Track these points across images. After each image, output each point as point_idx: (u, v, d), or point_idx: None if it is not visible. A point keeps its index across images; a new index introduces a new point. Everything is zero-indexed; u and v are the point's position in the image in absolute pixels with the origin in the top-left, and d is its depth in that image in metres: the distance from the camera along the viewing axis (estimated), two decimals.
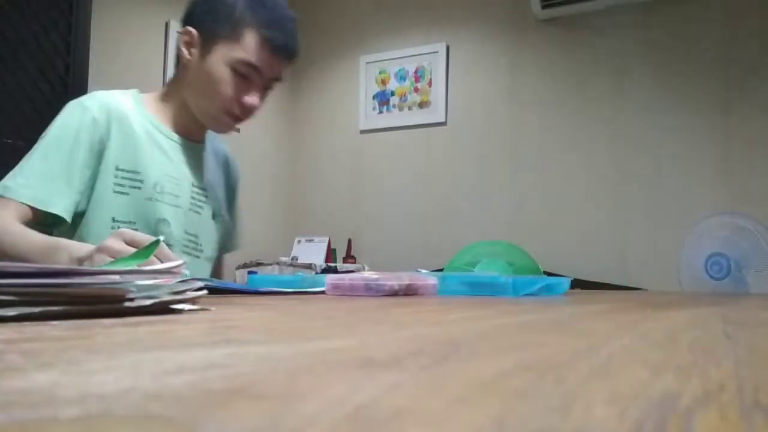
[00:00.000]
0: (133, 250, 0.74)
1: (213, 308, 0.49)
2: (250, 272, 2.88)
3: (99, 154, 1.04)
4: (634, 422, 0.14)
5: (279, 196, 3.68)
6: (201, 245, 1.18)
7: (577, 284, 1.72)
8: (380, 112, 3.51)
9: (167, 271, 0.49)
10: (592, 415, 0.15)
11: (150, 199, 1.07)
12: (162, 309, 0.44)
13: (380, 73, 3.52)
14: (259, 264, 3.13)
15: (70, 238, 1.01)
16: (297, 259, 3.24)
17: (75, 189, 1.01)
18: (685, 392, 0.18)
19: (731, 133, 2.73)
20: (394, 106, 3.47)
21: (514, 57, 3.19)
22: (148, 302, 0.43)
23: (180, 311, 0.46)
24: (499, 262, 1.28)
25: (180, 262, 0.55)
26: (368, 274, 0.90)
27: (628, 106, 2.93)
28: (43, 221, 0.99)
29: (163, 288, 0.45)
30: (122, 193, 1.05)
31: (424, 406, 0.15)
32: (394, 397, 0.16)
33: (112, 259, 0.73)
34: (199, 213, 1.16)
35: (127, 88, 1.17)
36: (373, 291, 0.84)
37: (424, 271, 1.13)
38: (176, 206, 1.11)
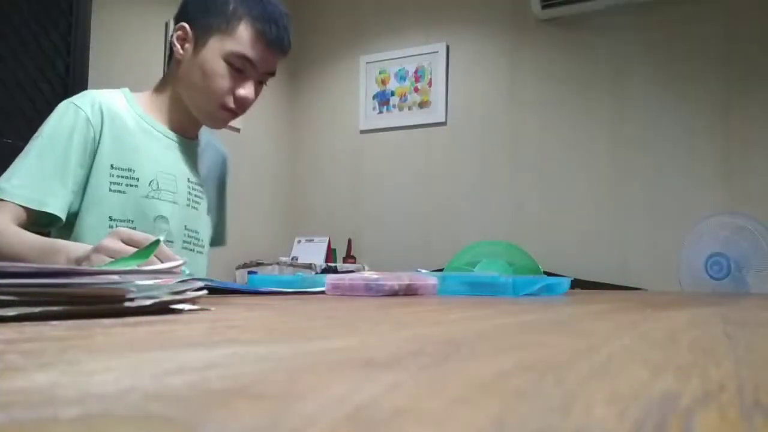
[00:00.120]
0: (130, 249, 0.74)
1: (213, 308, 0.49)
2: (250, 272, 2.88)
3: (92, 153, 1.04)
4: (634, 422, 0.14)
5: (279, 196, 3.68)
6: (201, 240, 1.19)
7: (577, 284, 1.72)
8: (380, 112, 3.51)
9: (167, 271, 0.49)
10: (592, 415, 0.15)
11: (147, 196, 1.07)
12: (162, 309, 0.44)
13: (380, 73, 3.52)
14: (259, 264, 3.13)
15: (67, 238, 1.01)
16: (297, 259, 3.24)
17: (69, 188, 1.01)
18: (685, 392, 0.18)
19: (731, 133, 2.73)
20: (394, 106, 3.47)
21: (514, 57, 3.19)
22: (148, 302, 0.43)
23: (180, 311, 0.46)
24: (499, 262, 1.28)
25: (180, 261, 0.55)
26: (368, 274, 0.90)
27: (628, 106, 2.93)
28: (38, 221, 1.00)
29: (163, 288, 0.45)
30: (119, 191, 1.05)
31: (424, 406, 0.15)
32: (394, 397, 0.16)
33: (110, 259, 0.72)
34: (196, 208, 1.17)
35: (128, 88, 1.17)
36: (373, 291, 0.84)
37: (424, 271, 1.13)
38: (174, 202, 1.11)
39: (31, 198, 0.97)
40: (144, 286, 0.43)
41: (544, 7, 3.00)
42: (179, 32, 1.10)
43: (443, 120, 3.34)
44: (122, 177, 1.06)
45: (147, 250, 0.67)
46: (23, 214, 0.97)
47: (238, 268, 3.18)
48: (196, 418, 0.14)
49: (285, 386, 0.18)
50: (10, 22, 2.08)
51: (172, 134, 1.14)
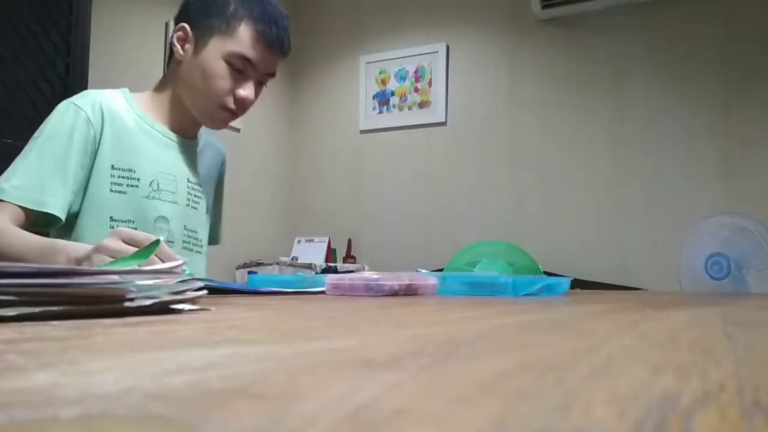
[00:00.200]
0: (131, 249, 0.74)
1: (213, 308, 0.49)
2: (250, 272, 2.88)
3: (93, 154, 1.04)
4: (634, 422, 0.14)
5: (279, 196, 3.68)
6: (200, 240, 1.19)
7: (577, 284, 1.72)
8: (380, 112, 3.51)
9: (167, 271, 0.49)
10: (592, 415, 0.15)
11: (147, 197, 1.07)
12: (162, 309, 0.44)
13: (380, 73, 3.52)
14: (259, 264, 3.13)
15: (66, 238, 1.01)
16: (297, 259, 3.24)
17: (69, 189, 1.01)
18: (685, 392, 0.18)
19: (731, 133, 2.73)
20: (394, 106, 3.47)
21: (514, 57, 3.19)
22: (148, 302, 0.43)
23: (180, 311, 0.46)
24: (499, 262, 1.28)
25: (180, 261, 0.55)
26: (368, 274, 0.90)
27: (628, 106, 2.93)
28: (38, 221, 0.99)
29: (163, 288, 0.45)
30: (120, 192, 1.05)
31: (424, 406, 0.15)
32: (394, 397, 0.16)
33: (111, 259, 0.72)
34: (196, 208, 1.17)
35: (127, 88, 1.17)
36: (373, 291, 0.84)
37: (424, 271, 1.13)
38: (174, 203, 1.11)
39: (31, 198, 0.97)
40: (144, 286, 0.43)
41: (544, 7, 3.00)
42: (179, 33, 1.10)
43: (443, 120, 3.34)
44: (123, 177, 1.06)
45: (147, 249, 0.67)
46: (22, 215, 0.97)
47: (238, 268, 3.18)
48: (196, 418, 0.14)
49: (285, 386, 0.18)
50: (10, 22, 2.08)
51: (171, 134, 1.14)
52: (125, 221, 1.05)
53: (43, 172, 1.00)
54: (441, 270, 1.44)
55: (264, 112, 3.41)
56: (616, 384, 0.19)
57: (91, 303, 0.39)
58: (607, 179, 2.95)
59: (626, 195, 2.90)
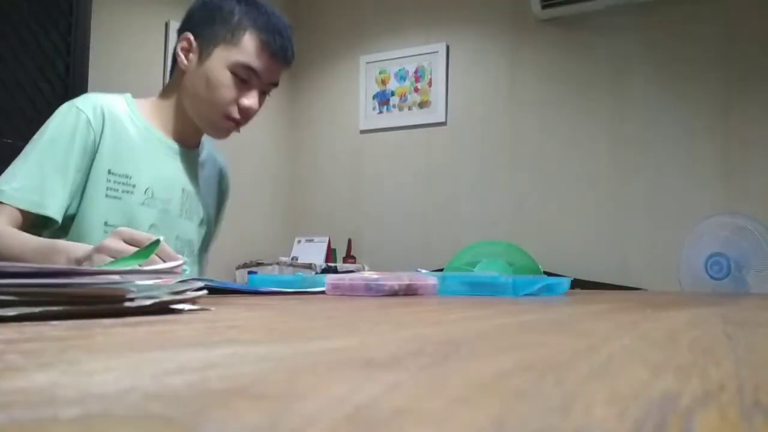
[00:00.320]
0: (131, 248, 0.74)
1: (213, 308, 0.49)
2: (250, 272, 2.88)
3: (92, 156, 1.04)
4: (634, 422, 0.14)
5: (279, 196, 3.68)
6: (194, 250, 1.19)
7: (577, 284, 1.72)
8: (380, 112, 3.51)
9: (167, 271, 0.49)
10: (592, 415, 0.15)
11: (141, 204, 1.07)
12: (162, 309, 0.44)
13: (380, 73, 3.52)
14: (259, 264, 3.13)
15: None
16: (297, 259, 3.24)
17: (68, 191, 1.01)
18: (685, 392, 0.18)
19: (731, 133, 2.73)
20: (394, 106, 3.47)
21: (514, 57, 3.19)
22: (148, 302, 0.43)
23: (180, 311, 0.46)
24: (499, 262, 1.28)
25: (180, 261, 0.55)
26: (368, 274, 0.90)
27: (628, 106, 2.93)
28: (35, 223, 1.00)
29: (163, 288, 0.45)
30: (115, 197, 1.05)
31: (424, 406, 0.15)
32: (394, 397, 0.16)
33: (112, 259, 0.72)
34: (190, 218, 1.17)
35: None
36: (373, 291, 0.84)
37: (424, 271, 1.13)
38: (166, 212, 1.11)
39: (31, 201, 0.97)
40: (144, 286, 0.43)
41: (544, 7, 3.00)
42: (183, 43, 1.10)
43: (443, 120, 3.34)
44: (119, 183, 1.06)
45: (148, 249, 0.67)
46: (20, 217, 0.97)
47: (238, 268, 3.18)
48: (196, 418, 0.14)
49: (285, 386, 0.18)
50: (10, 22, 2.08)
51: (172, 143, 1.14)
52: (118, 227, 1.04)
53: (43, 174, 0.99)
54: (441, 270, 1.44)
55: (264, 112, 3.38)
56: (616, 384, 0.19)
57: (91, 303, 0.39)
58: (607, 179, 2.95)
59: (626, 195, 2.90)
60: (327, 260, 3.22)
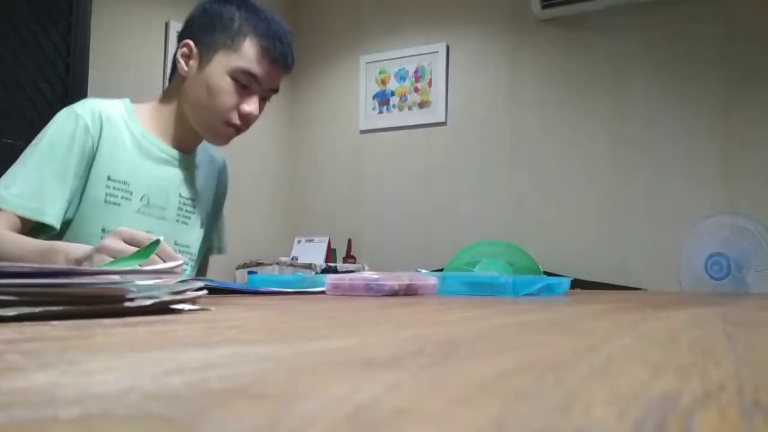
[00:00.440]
0: (132, 248, 0.74)
1: (213, 308, 0.49)
2: (250, 272, 2.88)
3: (90, 162, 1.04)
4: (634, 422, 0.14)
5: (279, 196, 3.68)
6: (192, 255, 1.19)
7: (577, 284, 1.72)
8: (380, 112, 3.51)
9: (168, 271, 0.49)
10: (592, 415, 0.15)
11: (138, 211, 1.07)
12: (162, 309, 0.44)
13: (380, 73, 3.52)
14: (259, 264, 3.13)
15: None
16: (297, 259, 3.24)
17: (66, 198, 1.01)
18: (685, 392, 0.18)
19: (731, 133, 2.73)
20: (394, 106, 3.47)
21: (514, 57, 3.19)
22: (148, 302, 0.43)
23: (180, 311, 0.46)
24: (499, 262, 1.28)
25: (180, 261, 0.55)
26: (368, 274, 0.90)
27: (628, 106, 2.93)
28: (33, 228, 0.99)
29: (163, 288, 0.45)
30: (114, 203, 1.05)
31: (424, 406, 0.15)
32: (394, 397, 0.16)
33: (112, 259, 0.72)
34: (186, 223, 1.17)
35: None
36: (373, 291, 0.84)
37: (424, 271, 1.13)
38: (162, 218, 1.11)
39: (30, 207, 0.97)
40: (144, 286, 0.43)
41: (544, 7, 3.00)
42: (184, 49, 1.10)
43: (443, 120, 3.34)
44: (118, 189, 1.06)
45: (148, 249, 0.67)
46: (19, 223, 0.97)
47: (238, 268, 3.18)
48: (196, 418, 0.14)
49: (285, 386, 0.18)
50: (10, 22, 2.08)
51: (169, 149, 1.14)
52: None
53: (42, 181, 0.99)
54: (441, 270, 1.44)
55: (264, 112, 3.40)
56: (616, 384, 0.19)
57: (91, 303, 0.39)
58: (607, 179, 2.95)
59: (626, 195, 2.90)
60: (327, 260, 3.22)
